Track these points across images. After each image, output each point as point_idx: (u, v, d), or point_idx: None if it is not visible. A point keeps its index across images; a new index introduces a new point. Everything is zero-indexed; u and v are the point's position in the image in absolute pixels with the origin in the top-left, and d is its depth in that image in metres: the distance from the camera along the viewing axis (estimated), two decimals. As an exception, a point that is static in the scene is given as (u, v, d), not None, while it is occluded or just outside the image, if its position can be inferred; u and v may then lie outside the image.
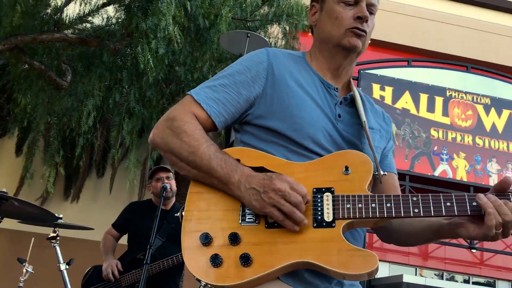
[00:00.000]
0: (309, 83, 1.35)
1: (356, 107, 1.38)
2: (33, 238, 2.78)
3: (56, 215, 2.67)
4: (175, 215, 3.70)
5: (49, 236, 2.78)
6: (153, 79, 5.88)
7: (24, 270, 2.57)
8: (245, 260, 1.10)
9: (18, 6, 5.41)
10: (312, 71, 1.39)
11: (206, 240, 1.14)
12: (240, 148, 1.30)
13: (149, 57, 5.21)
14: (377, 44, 8.86)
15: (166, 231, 3.56)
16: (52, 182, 6.52)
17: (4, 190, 2.45)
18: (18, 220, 2.84)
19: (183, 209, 1.22)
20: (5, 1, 5.32)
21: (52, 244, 2.78)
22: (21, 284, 2.52)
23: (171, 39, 5.31)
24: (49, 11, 6.44)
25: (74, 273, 2.83)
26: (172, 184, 3.61)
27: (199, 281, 1.12)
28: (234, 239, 1.13)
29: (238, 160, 1.22)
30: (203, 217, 1.19)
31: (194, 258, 1.14)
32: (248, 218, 1.17)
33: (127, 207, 3.82)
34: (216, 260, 1.11)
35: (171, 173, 3.69)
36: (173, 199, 3.76)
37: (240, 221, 1.17)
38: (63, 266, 2.75)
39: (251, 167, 1.20)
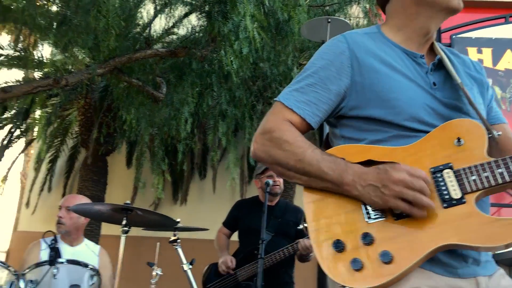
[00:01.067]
0: (395, 59, 1.29)
1: (446, 69, 1.31)
2: (158, 243, 3.01)
3: (174, 219, 2.87)
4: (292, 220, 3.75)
5: (171, 239, 2.99)
6: (240, 79, 6.04)
7: (154, 273, 2.79)
8: (385, 257, 1.08)
9: (112, 30, 5.86)
10: (393, 44, 1.33)
11: (339, 246, 1.12)
12: (340, 147, 1.27)
13: (231, 59, 5.37)
14: (468, 5, 8.22)
15: (274, 226, 3.66)
16: (161, 188, 6.99)
17: (128, 202, 2.69)
18: (143, 228, 3.10)
19: (304, 220, 1.22)
20: (100, 28, 5.78)
21: (174, 246, 2.99)
22: (152, 286, 2.75)
23: (253, 38, 5.41)
24: (138, 29, 6.91)
25: (194, 271, 3.02)
26: (281, 182, 3.70)
27: None
28: (367, 239, 1.11)
29: (343, 159, 1.20)
30: (328, 224, 1.18)
31: (334, 267, 1.12)
32: (374, 215, 1.15)
33: (235, 205, 3.98)
34: (356, 264, 1.09)
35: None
36: (279, 196, 3.84)
37: (366, 220, 1.15)
38: (186, 266, 2.94)
39: (359, 163, 1.18)
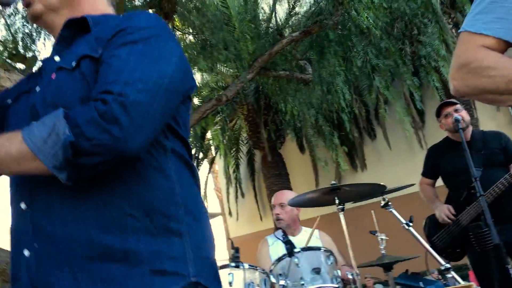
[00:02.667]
0: None
1: None
2: (372, 211, 3.09)
3: (381, 183, 2.91)
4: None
5: (382, 204, 3.04)
6: (380, 30, 5.81)
7: (380, 239, 2.87)
8: None
9: (247, 36, 6.18)
10: None
11: None
12: None
13: (365, 15, 5.20)
14: None
15: (479, 160, 3.43)
16: (343, 161, 7.12)
17: (334, 182, 2.83)
18: (352, 202, 3.21)
19: None
20: (236, 38, 6.16)
21: (388, 209, 3.03)
22: (383, 252, 2.84)
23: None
24: (265, 24, 7.15)
25: (415, 227, 3.01)
26: (463, 115, 3.47)
27: None
28: None
29: None
30: None
31: None
32: None
33: (428, 152, 3.84)
34: None
35: (458, 105, 3.55)
36: (470, 128, 3.60)
37: None
38: (406, 226, 2.96)
39: None
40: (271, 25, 7.14)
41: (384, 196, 3.10)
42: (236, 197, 9.47)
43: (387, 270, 2.85)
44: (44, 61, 1.30)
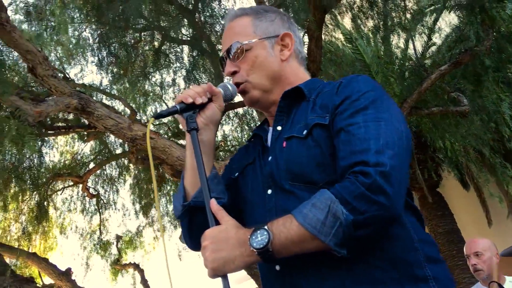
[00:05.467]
0: None
1: None
2: None
3: None
4: None
5: None
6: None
7: None
8: None
9: (390, 78, 6.03)
10: None
11: None
12: None
13: None
14: None
15: None
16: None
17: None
18: None
19: None
20: (380, 84, 6.04)
21: None
22: None
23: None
24: (406, 63, 6.91)
25: None
26: None
27: None
28: None
29: None
30: None
31: None
32: None
33: None
34: None
35: None
36: None
37: None
38: None
39: None
40: (411, 62, 6.88)
41: None
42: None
43: None
44: (261, 132, 1.41)
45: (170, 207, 8.25)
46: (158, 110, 8.17)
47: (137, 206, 7.72)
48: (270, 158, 1.27)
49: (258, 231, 1.05)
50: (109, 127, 4.14)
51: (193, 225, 1.32)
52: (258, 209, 1.25)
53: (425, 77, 5.83)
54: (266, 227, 1.05)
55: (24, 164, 6.34)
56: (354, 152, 1.06)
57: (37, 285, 5.21)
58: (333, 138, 1.14)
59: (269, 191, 1.22)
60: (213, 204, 1.15)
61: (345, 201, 1.00)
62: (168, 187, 8.13)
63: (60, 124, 5.52)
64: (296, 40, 1.40)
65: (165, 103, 8.05)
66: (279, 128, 1.30)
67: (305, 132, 1.18)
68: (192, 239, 1.35)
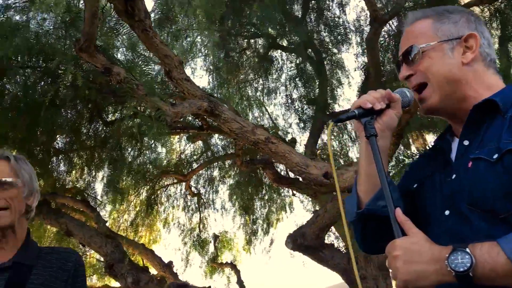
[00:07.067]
0: None
1: None
2: None
3: None
4: None
5: None
6: None
7: None
8: None
9: None
10: None
11: None
12: None
13: None
14: None
15: None
16: None
17: None
18: None
19: None
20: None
21: None
22: None
23: None
24: None
25: None
26: None
27: None
28: None
29: None
30: None
31: None
32: None
33: None
34: None
35: None
36: None
37: None
38: None
39: None
40: None
41: None
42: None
43: None
44: (444, 144, 1.32)
45: (265, 211, 8.40)
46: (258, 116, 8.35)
47: (236, 207, 7.94)
48: (454, 176, 1.21)
49: (459, 253, 1.00)
50: (234, 129, 4.30)
51: (367, 230, 1.34)
52: (434, 228, 1.20)
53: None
54: (467, 249, 1.00)
55: (139, 160, 6.76)
56: None
57: (151, 274, 5.53)
58: None
59: (447, 212, 1.18)
60: (399, 214, 1.13)
61: None
62: (264, 191, 8.29)
63: (179, 125, 5.83)
64: (483, 42, 1.29)
65: (266, 110, 8.23)
66: (466, 143, 1.22)
67: (495, 156, 1.10)
68: (365, 242, 1.38)
